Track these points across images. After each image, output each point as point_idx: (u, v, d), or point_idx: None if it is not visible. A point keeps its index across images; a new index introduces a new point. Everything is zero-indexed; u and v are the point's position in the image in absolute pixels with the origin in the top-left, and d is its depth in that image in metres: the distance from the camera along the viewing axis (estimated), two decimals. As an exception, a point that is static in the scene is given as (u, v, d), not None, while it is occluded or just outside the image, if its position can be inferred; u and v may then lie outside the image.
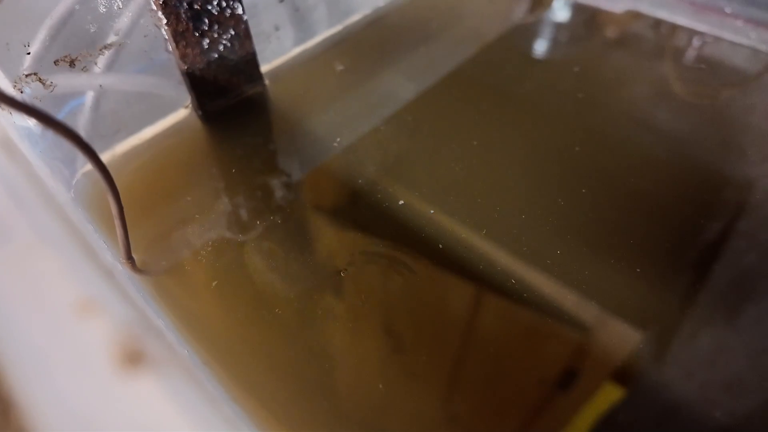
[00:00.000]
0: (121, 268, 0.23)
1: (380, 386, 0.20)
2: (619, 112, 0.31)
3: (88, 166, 0.28)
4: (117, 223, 0.20)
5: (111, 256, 0.23)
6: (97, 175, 0.28)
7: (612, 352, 0.21)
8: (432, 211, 0.25)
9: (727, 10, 0.39)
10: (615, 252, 0.24)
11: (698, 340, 0.21)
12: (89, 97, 0.28)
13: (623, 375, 0.20)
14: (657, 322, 0.22)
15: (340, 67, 0.35)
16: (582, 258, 0.24)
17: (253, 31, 0.30)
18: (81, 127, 0.28)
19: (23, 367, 0.13)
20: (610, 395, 0.20)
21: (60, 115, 0.27)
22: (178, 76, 0.29)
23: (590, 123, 0.31)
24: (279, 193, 0.27)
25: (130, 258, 0.22)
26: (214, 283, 0.22)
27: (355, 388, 0.20)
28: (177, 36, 0.26)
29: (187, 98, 0.30)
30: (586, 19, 0.40)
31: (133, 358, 0.13)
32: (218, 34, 0.27)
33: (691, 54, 0.36)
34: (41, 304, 0.15)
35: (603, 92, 0.33)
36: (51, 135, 0.25)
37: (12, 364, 0.13)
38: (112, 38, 0.24)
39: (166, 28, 0.25)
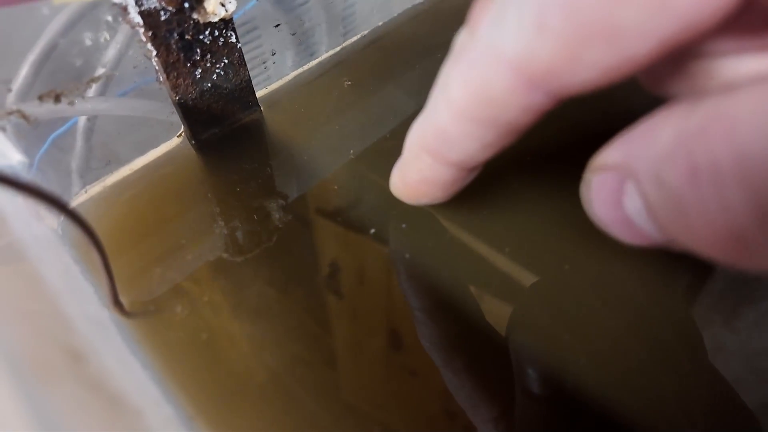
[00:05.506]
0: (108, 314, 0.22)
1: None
2: (612, 110, 0.31)
3: (78, 200, 0.27)
4: (103, 272, 0.19)
5: (98, 300, 0.22)
6: (87, 210, 0.27)
7: (607, 352, 0.21)
8: (434, 224, 0.25)
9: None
10: (609, 253, 0.23)
11: (696, 343, 0.21)
12: (79, 128, 0.27)
13: (618, 376, 0.20)
14: (653, 325, 0.21)
15: (347, 83, 0.34)
16: (575, 258, 0.23)
17: (247, 57, 0.29)
18: (71, 160, 0.27)
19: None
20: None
21: (46, 146, 0.26)
22: (171, 105, 0.28)
23: (583, 120, 0.30)
24: (277, 216, 0.26)
25: (117, 303, 0.21)
26: (204, 335, 0.22)
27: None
28: (168, 67, 0.25)
29: (180, 126, 0.29)
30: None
31: None
32: (211, 63, 0.26)
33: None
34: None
35: (597, 92, 0.33)
36: (37, 171, 0.24)
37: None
38: (99, 71, 0.24)
39: (156, 59, 0.24)
